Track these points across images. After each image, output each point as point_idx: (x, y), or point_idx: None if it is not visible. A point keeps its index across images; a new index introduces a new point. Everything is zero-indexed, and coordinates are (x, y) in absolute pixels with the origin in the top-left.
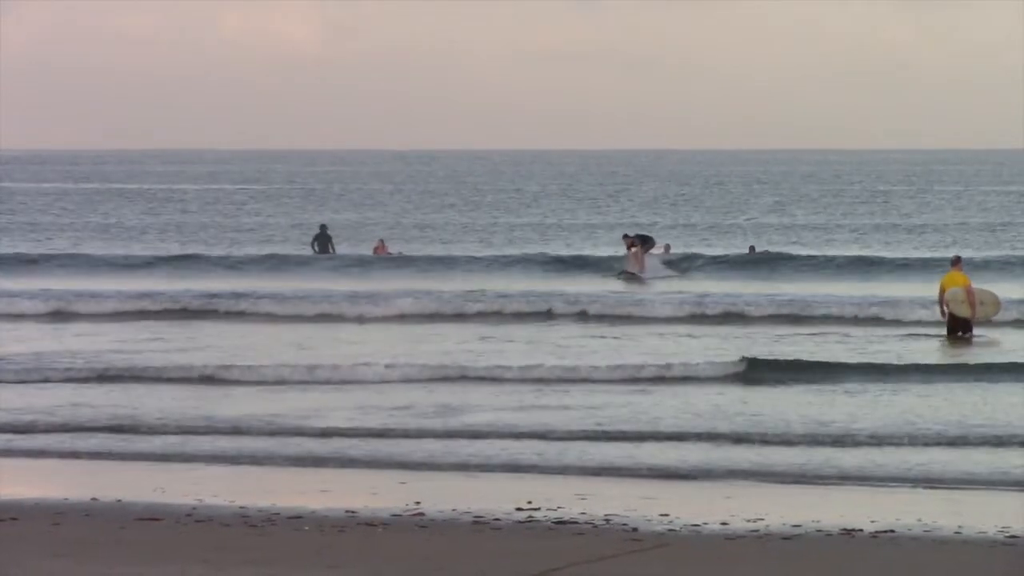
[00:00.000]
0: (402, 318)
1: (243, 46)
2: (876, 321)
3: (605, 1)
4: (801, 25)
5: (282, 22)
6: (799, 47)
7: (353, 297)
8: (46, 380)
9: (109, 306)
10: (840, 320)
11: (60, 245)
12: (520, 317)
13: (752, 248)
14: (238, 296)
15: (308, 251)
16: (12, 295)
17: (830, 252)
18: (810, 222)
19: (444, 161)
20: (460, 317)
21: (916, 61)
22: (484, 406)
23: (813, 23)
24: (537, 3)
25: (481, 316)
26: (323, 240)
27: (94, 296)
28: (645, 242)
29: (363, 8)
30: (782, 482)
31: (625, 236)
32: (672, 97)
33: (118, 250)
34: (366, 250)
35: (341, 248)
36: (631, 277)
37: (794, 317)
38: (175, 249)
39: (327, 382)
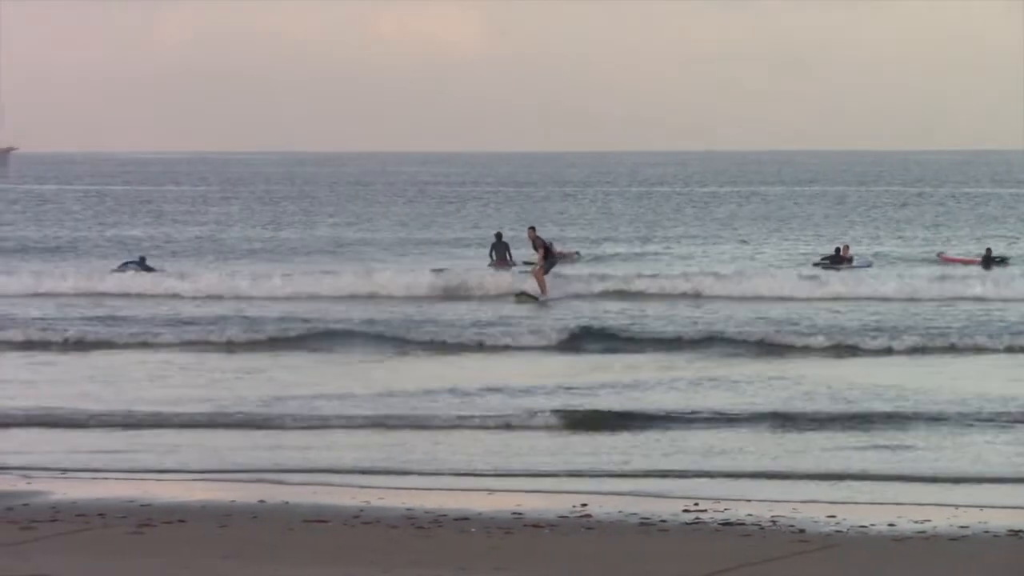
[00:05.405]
0: None
1: (399, 47)
2: None
3: (762, 3)
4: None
5: (438, 22)
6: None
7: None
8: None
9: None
10: None
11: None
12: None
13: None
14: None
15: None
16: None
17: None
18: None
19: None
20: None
21: None
22: None
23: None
24: (696, 3)
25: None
26: (500, 248)
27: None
28: (549, 255)
29: (522, 8)
30: None
31: (531, 229)
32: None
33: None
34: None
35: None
36: (527, 299)
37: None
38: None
39: None
